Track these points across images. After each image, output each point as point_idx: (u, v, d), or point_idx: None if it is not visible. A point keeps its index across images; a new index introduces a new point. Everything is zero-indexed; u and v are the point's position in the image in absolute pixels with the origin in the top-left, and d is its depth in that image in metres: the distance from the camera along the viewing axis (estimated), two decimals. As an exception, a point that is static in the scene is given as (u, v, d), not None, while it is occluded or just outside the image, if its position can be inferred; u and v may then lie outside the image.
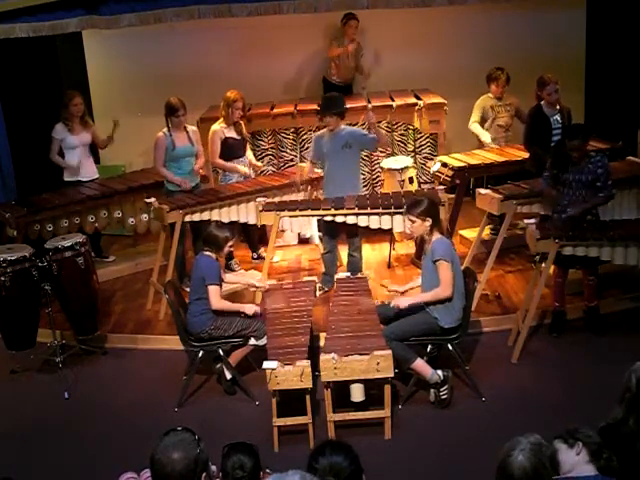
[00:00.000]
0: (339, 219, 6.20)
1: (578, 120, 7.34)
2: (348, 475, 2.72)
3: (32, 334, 6.02)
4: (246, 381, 5.49)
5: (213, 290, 5.36)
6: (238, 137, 7.08)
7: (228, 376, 5.48)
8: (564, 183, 5.81)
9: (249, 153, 7.29)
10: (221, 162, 7.05)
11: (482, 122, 7.43)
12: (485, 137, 7.37)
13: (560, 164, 5.82)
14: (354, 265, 6.59)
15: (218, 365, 5.50)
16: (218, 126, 7.03)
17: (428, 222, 5.16)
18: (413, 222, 5.21)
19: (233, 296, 6.29)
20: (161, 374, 5.86)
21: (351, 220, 6.19)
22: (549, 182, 5.91)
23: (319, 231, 7.17)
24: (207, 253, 5.47)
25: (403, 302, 5.21)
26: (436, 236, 5.20)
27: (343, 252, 6.91)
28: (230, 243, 5.54)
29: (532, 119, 6.74)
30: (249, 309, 5.47)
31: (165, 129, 6.69)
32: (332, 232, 6.62)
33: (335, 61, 8.42)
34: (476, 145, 7.57)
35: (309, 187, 6.96)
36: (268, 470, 3.24)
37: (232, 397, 5.47)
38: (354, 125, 7.83)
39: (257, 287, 5.89)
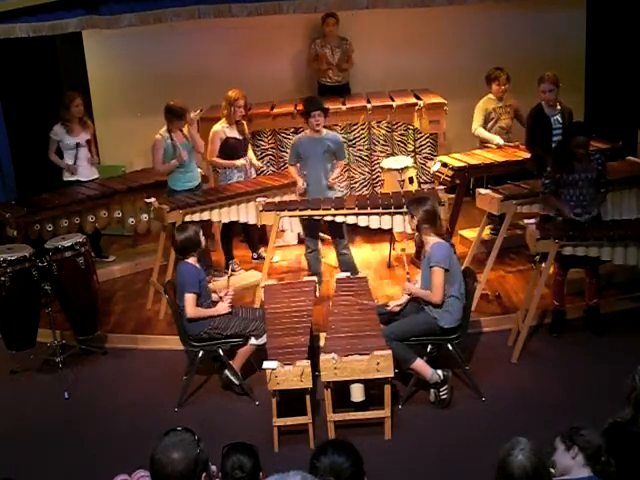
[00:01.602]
0: (339, 219, 6.20)
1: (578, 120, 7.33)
2: (348, 476, 2.70)
3: (32, 334, 6.02)
4: (246, 381, 5.48)
5: (188, 299, 5.30)
6: (240, 137, 7.06)
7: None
8: (570, 184, 5.78)
9: (250, 153, 7.28)
10: (217, 160, 7.05)
11: (484, 125, 7.38)
12: (497, 140, 7.25)
13: (564, 165, 5.79)
14: (347, 263, 6.57)
15: (224, 375, 5.48)
16: (220, 126, 7.01)
17: (414, 221, 5.21)
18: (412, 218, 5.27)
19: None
20: (161, 374, 5.86)
21: (351, 220, 6.19)
22: (552, 188, 5.85)
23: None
24: (188, 260, 5.44)
25: (409, 288, 5.35)
26: (434, 240, 5.20)
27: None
28: (200, 232, 5.49)
29: (533, 119, 6.72)
30: (222, 309, 5.42)
31: (163, 131, 6.69)
32: (314, 231, 6.62)
33: (318, 65, 8.38)
34: (476, 145, 7.54)
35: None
36: None
37: (232, 397, 5.46)
38: (354, 125, 7.87)
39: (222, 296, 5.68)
